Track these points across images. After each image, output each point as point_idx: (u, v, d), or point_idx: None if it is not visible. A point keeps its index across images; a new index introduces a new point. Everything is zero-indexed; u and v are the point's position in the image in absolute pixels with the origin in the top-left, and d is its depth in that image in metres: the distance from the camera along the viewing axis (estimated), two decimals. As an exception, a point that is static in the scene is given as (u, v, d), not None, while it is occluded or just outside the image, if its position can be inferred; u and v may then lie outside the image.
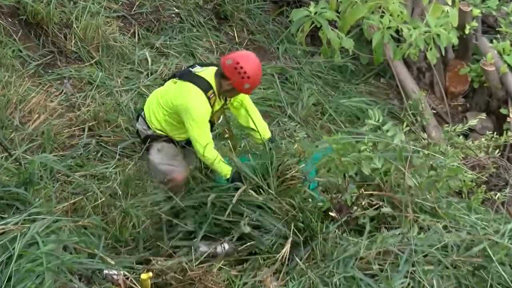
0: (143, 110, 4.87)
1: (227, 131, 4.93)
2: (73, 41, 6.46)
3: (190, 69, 4.72)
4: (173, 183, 4.73)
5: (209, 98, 4.56)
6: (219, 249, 4.21)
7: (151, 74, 6.67)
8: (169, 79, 4.87)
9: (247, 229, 4.17)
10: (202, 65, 4.77)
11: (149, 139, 4.83)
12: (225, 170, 4.52)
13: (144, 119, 4.83)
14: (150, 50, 6.99)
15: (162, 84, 4.98)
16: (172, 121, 4.71)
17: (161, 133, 4.78)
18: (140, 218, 4.46)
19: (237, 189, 4.29)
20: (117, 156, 5.45)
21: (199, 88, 4.55)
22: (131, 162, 5.41)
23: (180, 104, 4.58)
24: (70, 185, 4.84)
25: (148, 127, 4.80)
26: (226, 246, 4.22)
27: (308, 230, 4.20)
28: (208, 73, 4.64)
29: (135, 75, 6.59)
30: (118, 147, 5.56)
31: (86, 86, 6.19)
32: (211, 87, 4.58)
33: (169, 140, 4.80)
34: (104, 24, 6.72)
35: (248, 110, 4.87)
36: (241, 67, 4.48)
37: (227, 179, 4.49)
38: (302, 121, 6.96)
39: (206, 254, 4.14)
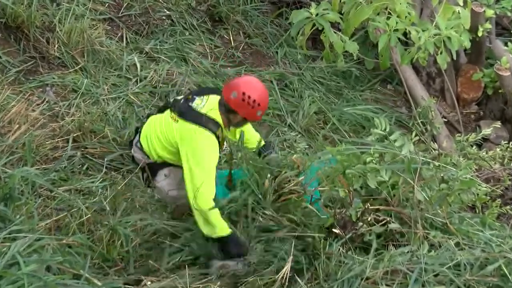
0: (137, 137, 4.76)
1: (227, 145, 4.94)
2: (56, 46, 6.49)
3: (190, 103, 4.52)
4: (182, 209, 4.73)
5: (218, 137, 4.45)
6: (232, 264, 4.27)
7: (140, 81, 6.68)
8: (165, 106, 4.75)
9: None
10: (199, 93, 4.62)
11: (152, 167, 4.75)
12: (222, 226, 4.27)
13: (140, 149, 4.73)
14: (139, 55, 7.02)
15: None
16: (175, 154, 4.59)
17: (164, 161, 4.72)
18: (129, 236, 4.48)
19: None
20: (104, 169, 5.47)
21: (208, 130, 4.40)
22: (119, 175, 5.43)
23: (188, 150, 4.40)
24: (53, 200, 4.85)
25: (148, 156, 4.73)
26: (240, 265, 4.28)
27: (310, 248, 4.21)
28: (212, 107, 4.50)
29: (123, 82, 6.61)
30: (105, 159, 5.58)
31: (70, 94, 6.21)
32: (219, 125, 4.46)
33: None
34: (90, 28, 6.75)
35: None
36: (249, 97, 4.40)
37: (218, 239, 4.29)
38: (303, 130, 6.99)
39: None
